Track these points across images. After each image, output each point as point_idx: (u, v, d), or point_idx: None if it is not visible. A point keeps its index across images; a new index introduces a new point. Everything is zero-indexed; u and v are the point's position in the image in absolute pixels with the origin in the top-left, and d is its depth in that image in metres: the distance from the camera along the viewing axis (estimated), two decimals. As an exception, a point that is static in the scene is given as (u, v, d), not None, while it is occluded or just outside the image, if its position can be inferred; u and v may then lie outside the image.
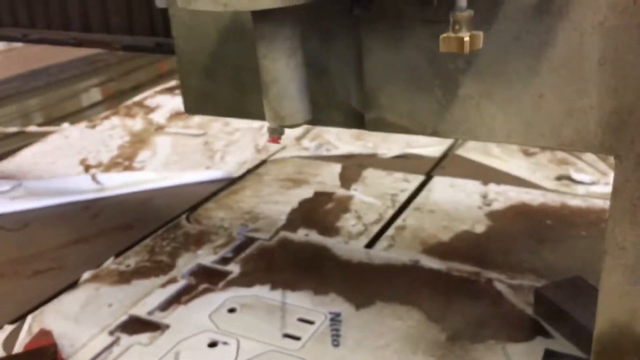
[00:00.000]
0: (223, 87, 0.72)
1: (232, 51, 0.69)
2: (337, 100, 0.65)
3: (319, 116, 0.65)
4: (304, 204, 1.28)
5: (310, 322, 0.91)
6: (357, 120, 0.65)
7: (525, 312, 0.91)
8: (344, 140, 1.56)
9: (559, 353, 0.82)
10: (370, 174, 1.38)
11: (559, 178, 1.30)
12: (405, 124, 0.61)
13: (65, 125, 1.71)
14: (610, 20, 0.50)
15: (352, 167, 1.42)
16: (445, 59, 0.55)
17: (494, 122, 0.57)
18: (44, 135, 1.66)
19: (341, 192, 1.32)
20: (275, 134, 0.59)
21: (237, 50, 0.69)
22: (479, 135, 0.59)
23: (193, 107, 0.74)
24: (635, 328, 0.58)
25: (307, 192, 1.33)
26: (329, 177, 1.39)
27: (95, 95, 1.97)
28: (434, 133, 0.61)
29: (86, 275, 1.06)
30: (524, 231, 1.13)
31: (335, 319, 0.92)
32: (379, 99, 0.62)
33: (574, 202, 1.19)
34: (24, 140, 1.62)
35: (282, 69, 0.55)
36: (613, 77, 0.52)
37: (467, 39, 0.42)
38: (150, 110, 1.81)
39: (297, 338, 0.88)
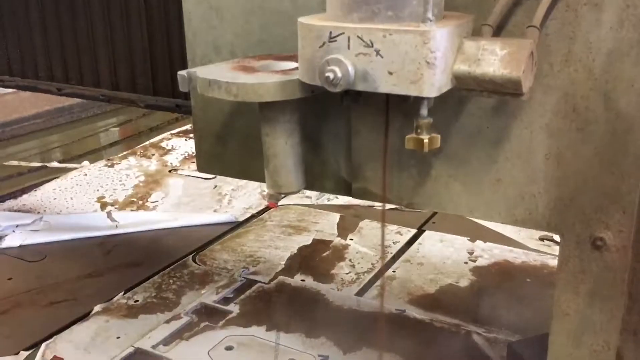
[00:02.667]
0: (232, 152, 0.82)
1: (242, 122, 0.80)
2: (329, 171, 0.74)
3: (313, 183, 0.75)
4: (303, 250, 1.37)
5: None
6: (345, 189, 0.74)
7: (498, 365, 0.99)
8: (344, 190, 1.66)
9: (525, 404, 0.89)
10: (366, 225, 1.48)
11: (542, 238, 1.39)
12: (386, 195, 0.71)
13: (85, 163, 1.82)
14: (554, 123, 0.60)
15: (350, 217, 1.52)
16: (421, 143, 0.64)
17: (460, 199, 0.67)
18: (64, 171, 1.77)
19: (338, 240, 1.41)
20: (273, 199, 0.69)
21: (246, 121, 0.79)
22: (447, 208, 0.68)
23: (205, 166, 0.84)
24: (578, 385, 0.66)
25: (306, 240, 1.42)
26: (327, 226, 1.48)
27: (114, 134, 2.09)
28: (409, 205, 0.71)
29: (97, 308, 1.16)
30: (504, 287, 1.22)
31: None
32: (364, 173, 0.71)
33: (553, 262, 1.27)
34: (46, 175, 1.74)
35: (281, 146, 0.65)
36: (557, 170, 0.61)
37: (426, 140, 0.52)
38: (166, 152, 1.92)
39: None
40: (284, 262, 1.32)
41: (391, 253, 1.34)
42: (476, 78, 0.51)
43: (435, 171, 0.67)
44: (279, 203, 1.54)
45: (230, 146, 0.81)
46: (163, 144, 1.97)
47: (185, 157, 1.89)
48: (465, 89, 0.53)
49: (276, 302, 1.19)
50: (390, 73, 0.51)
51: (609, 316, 0.62)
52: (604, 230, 0.60)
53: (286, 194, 0.69)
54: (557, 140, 0.60)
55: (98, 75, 1.08)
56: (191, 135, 2.01)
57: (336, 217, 1.53)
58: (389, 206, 0.72)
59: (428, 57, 0.49)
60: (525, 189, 0.63)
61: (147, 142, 1.98)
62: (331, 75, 0.51)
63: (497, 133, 0.63)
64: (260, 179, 0.78)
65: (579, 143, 0.60)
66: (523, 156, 0.63)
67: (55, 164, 1.82)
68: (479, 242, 1.38)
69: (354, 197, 0.74)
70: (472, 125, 0.64)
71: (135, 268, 1.31)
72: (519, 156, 0.63)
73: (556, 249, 1.34)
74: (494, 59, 0.51)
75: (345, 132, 0.71)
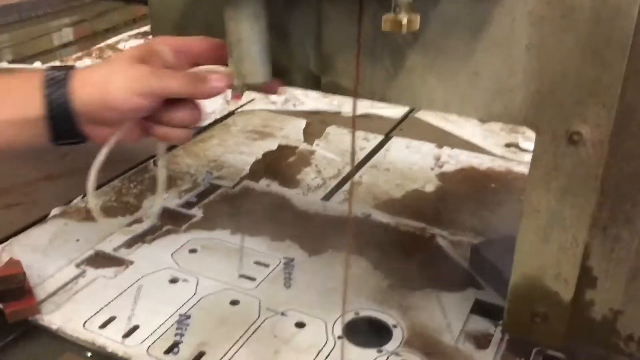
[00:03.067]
0: (193, 43, 0.76)
1: (202, 10, 0.74)
2: (297, 63, 0.70)
3: (280, 76, 0.71)
4: (268, 155, 1.35)
5: (266, 265, 0.99)
6: (314, 83, 0.71)
7: (462, 266, 1.00)
8: (310, 96, 1.61)
9: (486, 302, 0.91)
10: (333, 131, 1.45)
11: (508, 145, 1.38)
12: (358, 88, 0.68)
13: (37, 64, 1.72)
14: (537, 10, 0.57)
15: (317, 123, 1.48)
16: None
17: (434, 93, 0.64)
18: (14, 72, 1.67)
19: (304, 146, 1.38)
20: (238, 91, 0.65)
21: (207, 9, 0.74)
22: (421, 103, 0.65)
23: (164, 59, 0.79)
24: (544, 281, 0.67)
25: (271, 145, 1.39)
26: (293, 132, 1.45)
27: (68, 35, 1.97)
28: (382, 99, 0.68)
29: (55, 211, 1.12)
30: (469, 193, 1.22)
31: (288, 263, 1.00)
32: (334, 64, 0.68)
33: (518, 169, 1.28)
34: (-5, 76, 1.64)
35: (246, 32, 0.61)
36: (537, 61, 0.58)
37: (404, 21, 0.48)
38: (123, 54, 1.83)
39: (253, 279, 0.95)
40: (248, 167, 1.29)
41: (358, 159, 1.33)
42: (460, -48, 0.47)
43: (410, 62, 0.63)
44: (243, 102, 1.50)
45: (191, 36, 0.76)
46: (120, 46, 1.87)
47: (144, 59, 1.80)
48: (447, -34, 0.49)
49: (240, 207, 1.17)
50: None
51: (579, 212, 0.62)
52: (581, 124, 0.58)
53: (251, 85, 0.65)
54: (540, 28, 0.57)
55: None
56: (150, 37, 1.92)
57: (302, 122, 1.49)
58: (357, 112, 0.69)
59: None
60: (503, 82, 0.61)
61: (103, 44, 1.88)
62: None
63: (477, 21, 0.59)
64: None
65: (562, 32, 0.57)
66: (503, 46, 0.59)
67: (5, 64, 1.72)
68: (445, 149, 1.37)
69: (323, 91, 0.70)
70: (451, 12, 0.60)
71: (94, 172, 1.26)
72: (499, 46, 0.60)
73: (521, 156, 1.35)
74: None
75: (314, 19, 0.66)
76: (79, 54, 1.80)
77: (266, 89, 0.67)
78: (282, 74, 0.71)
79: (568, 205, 0.62)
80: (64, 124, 0.61)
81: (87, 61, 1.76)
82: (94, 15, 2.04)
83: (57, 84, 0.60)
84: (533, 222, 0.64)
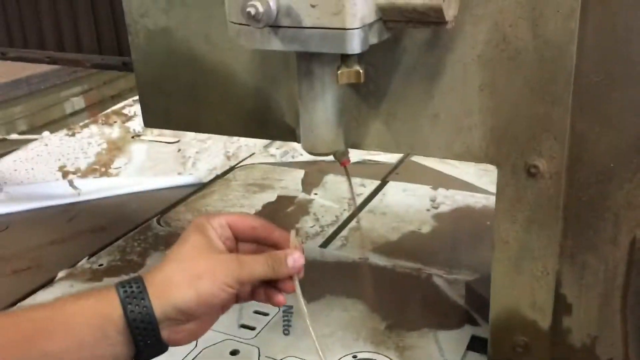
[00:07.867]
0: (178, 104, 0.81)
1: (186, 72, 0.79)
2: (273, 118, 0.75)
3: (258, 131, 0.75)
4: (268, 207, 1.38)
5: (265, 314, 1.01)
6: (291, 135, 0.75)
7: (457, 303, 1.01)
8: (309, 147, 1.66)
9: (483, 338, 0.92)
10: (330, 179, 1.48)
11: (502, 182, 1.40)
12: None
13: (46, 133, 1.80)
14: (486, 54, 0.61)
15: (314, 172, 1.52)
16: (360, 84, 0.64)
17: (400, 136, 0.67)
18: (25, 142, 1.75)
19: (302, 196, 1.42)
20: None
21: (191, 71, 0.79)
22: (389, 147, 0.69)
23: (152, 122, 0.84)
24: (521, 311, 0.68)
25: (271, 197, 1.42)
26: (292, 182, 1.49)
27: (76, 104, 2.06)
28: (354, 145, 0.71)
29: (61, 274, 1.15)
30: (465, 232, 1.24)
31: (287, 310, 1.02)
32: (307, 117, 0.72)
33: (512, 205, 1.29)
34: (5, 147, 1.71)
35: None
36: (491, 100, 0.62)
37: (362, 70, 0.52)
38: (128, 118, 1.90)
39: (252, 328, 0.97)
40: (248, 220, 1.32)
41: (355, 205, 1.35)
42: (400, 8, 0.51)
43: (374, 110, 0.67)
44: (243, 156, 1.54)
45: (176, 98, 0.81)
46: (125, 111, 1.94)
47: (148, 122, 1.87)
48: (391, 21, 0.53)
49: (241, 258, 1.19)
50: (313, 6, 0.50)
51: (546, 241, 0.64)
52: (537, 158, 0.61)
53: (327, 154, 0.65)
54: (490, 70, 0.61)
55: (42, 36, 1.07)
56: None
57: (300, 173, 1.53)
58: (352, 160, 0.72)
59: (348, -12, 0.49)
60: (461, 123, 0.64)
61: (109, 110, 1.96)
62: (252, 10, 0.51)
63: (431, 68, 0.63)
64: (208, 130, 0.78)
65: (510, 72, 0.60)
66: (457, 90, 0.63)
67: (15, 136, 1.80)
68: (441, 190, 1.40)
69: (298, 142, 0.74)
70: (408, 62, 0.64)
71: (99, 233, 1.31)
72: (454, 90, 0.63)
73: (516, 192, 1.36)
74: (415, -13, 0.51)
75: (285, 76, 0.71)
76: (86, 121, 1.87)
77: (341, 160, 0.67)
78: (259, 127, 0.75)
79: (535, 235, 0.64)
80: (148, 336, 0.55)
81: (93, 128, 1.83)
82: (99, 85, 2.13)
83: (135, 297, 0.55)
84: (504, 253, 0.66)
